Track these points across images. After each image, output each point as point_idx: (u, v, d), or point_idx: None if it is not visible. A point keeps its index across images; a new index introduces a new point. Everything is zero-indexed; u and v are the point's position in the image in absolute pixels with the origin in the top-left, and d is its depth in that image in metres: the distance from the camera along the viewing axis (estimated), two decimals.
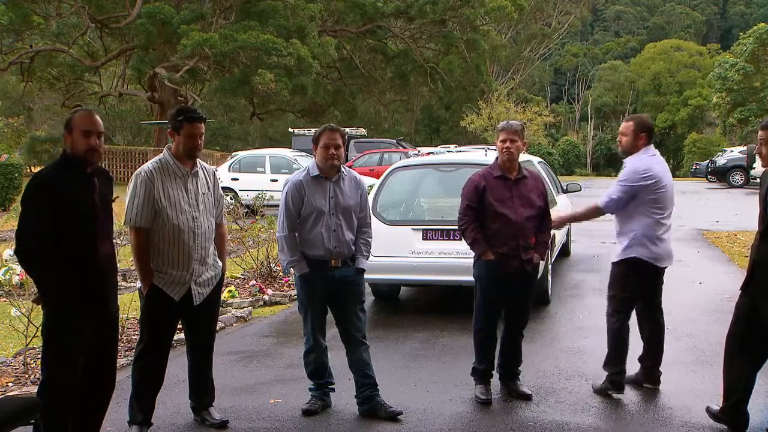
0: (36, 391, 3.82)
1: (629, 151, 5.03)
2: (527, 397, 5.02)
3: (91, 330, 3.72)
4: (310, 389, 4.92)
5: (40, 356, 5.74)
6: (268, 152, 20.56)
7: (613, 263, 5.07)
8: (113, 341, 3.99)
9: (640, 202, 4.89)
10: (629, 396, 5.11)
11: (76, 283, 3.65)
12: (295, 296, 8.49)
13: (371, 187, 10.61)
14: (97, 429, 3.95)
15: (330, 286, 4.76)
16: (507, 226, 4.88)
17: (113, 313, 3.95)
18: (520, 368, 5.19)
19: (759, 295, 4.27)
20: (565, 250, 11.01)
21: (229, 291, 8.18)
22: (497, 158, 5.05)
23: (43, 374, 3.74)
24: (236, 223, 11.36)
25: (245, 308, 7.79)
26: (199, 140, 4.27)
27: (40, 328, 3.78)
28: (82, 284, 3.67)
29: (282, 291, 8.69)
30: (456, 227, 5.39)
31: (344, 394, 5.08)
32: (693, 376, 5.52)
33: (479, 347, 5.10)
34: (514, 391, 5.09)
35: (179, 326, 4.54)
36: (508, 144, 4.92)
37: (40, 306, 3.75)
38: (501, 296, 5.03)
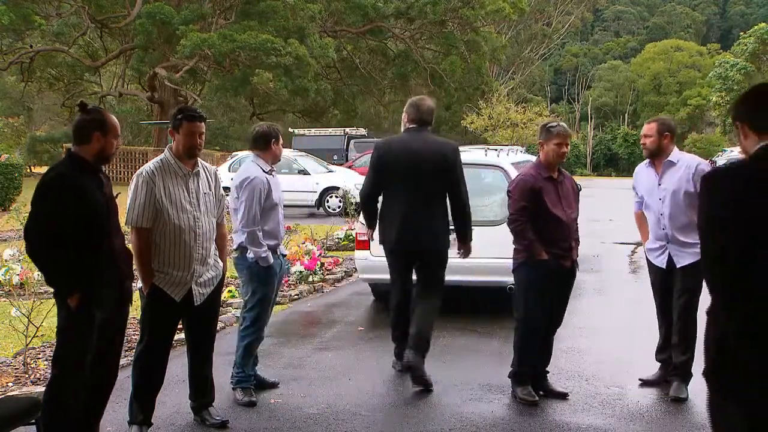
0: (37, 391, 3.82)
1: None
2: (563, 396, 5.03)
3: (105, 326, 3.74)
4: (241, 381, 5.05)
5: (40, 356, 5.78)
6: None
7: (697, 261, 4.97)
8: (122, 336, 4.04)
9: None
10: (629, 396, 5.11)
11: (100, 282, 3.68)
12: (295, 296, 8.55)
13: None
14: (98, 423, 3.96)
15: (280, 273, 5.19)
16: (559, 227, 4.91)
17: (127, 309, 4.00)
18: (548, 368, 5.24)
19: None
20: None
21: (229, 291, 8.18)
22: (539, 159, 5.05)
23: (57, 370, 3.70)
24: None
25: None
26: (199, 139, 4.27)
27: (55, 325, 3.75)
28: (105, 282, 3.71)
29: (282, 291, 8.68)
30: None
31: (344, 394, 5.09)
32: (693, 375, 5.51)
33: (532, 349, 5.03)
34: (550, 391, 5.08)
35: (179, 326, 4.55)
36: (564, 148, 5.00)
37: (57, 302, 3.72)
38: (549, 297, 5.01)
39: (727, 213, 2.51)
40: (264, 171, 5.01)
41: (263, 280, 4.97)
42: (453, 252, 5.57)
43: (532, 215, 4.88)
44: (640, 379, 5.33)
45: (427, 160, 5.24)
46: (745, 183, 2.56)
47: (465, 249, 5.53)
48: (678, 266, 5.06)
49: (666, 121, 5.27)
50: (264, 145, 5.10)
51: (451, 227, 5.44)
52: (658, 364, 5.33)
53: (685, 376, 5.09)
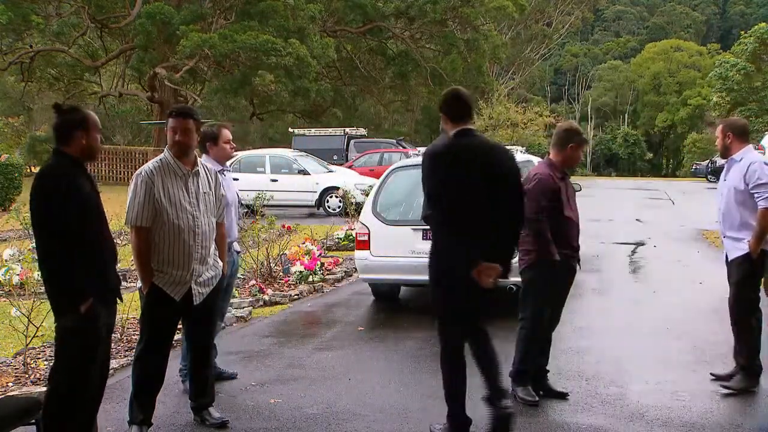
0: (37, 391, 3.81)
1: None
2: (563, 396, 5.02)
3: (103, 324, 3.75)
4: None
5: (40, 356, 5.77)
6: (268, 152, 20.54)
7: (744, 256, 5.01)
8: (111, 333, 4.05)
9: None
10: (629, 396, 5.11)
11: (101, 280, 3.69)
12: (295, 296, 8.56)
13: (371, 187, 10.62)
14: (94, 419, 3.96)
15: (232, 269, 5.32)
16: (572, 228, 4.94)
17: (116, 305, 4.01)
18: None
19: None
20: None
21: None
22: (552, 160, 5.00)
23: (61, 377, 3.67)
24: (236, 223, 11.34)
25: (245, 308, 7.78)
26: (186, 136, 4.25)
27: (56, 328, 3.72)
28: (104, 280, 3.72)
29: (282, 291, 8.69)
30: None
31: (344, 395, 5.09)
32: (693, 375, 5.52)
33: (535, 349, 5.01)
34: (550, 391, 5.06)
35: (179, 326, 4.55)
36: (580, 151, 5.05)
37: (54, 307, 3.68)
38: (555, 296, 5.02)
39: (436, 176, 4.06)
40: (217, 169, 5.02)
41: (234, 271, 5.06)
42: None
43: (548, 215, 4.81)
44: (711, 374, 5.34)
45: None
46: (444, 156, 4.10)
47: None
48: (729, 259, 5.19)
49: (730, 121, 5.40)
50: (202, 147, 5.18)
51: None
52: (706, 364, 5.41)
53: (748, 371, 5.11)
